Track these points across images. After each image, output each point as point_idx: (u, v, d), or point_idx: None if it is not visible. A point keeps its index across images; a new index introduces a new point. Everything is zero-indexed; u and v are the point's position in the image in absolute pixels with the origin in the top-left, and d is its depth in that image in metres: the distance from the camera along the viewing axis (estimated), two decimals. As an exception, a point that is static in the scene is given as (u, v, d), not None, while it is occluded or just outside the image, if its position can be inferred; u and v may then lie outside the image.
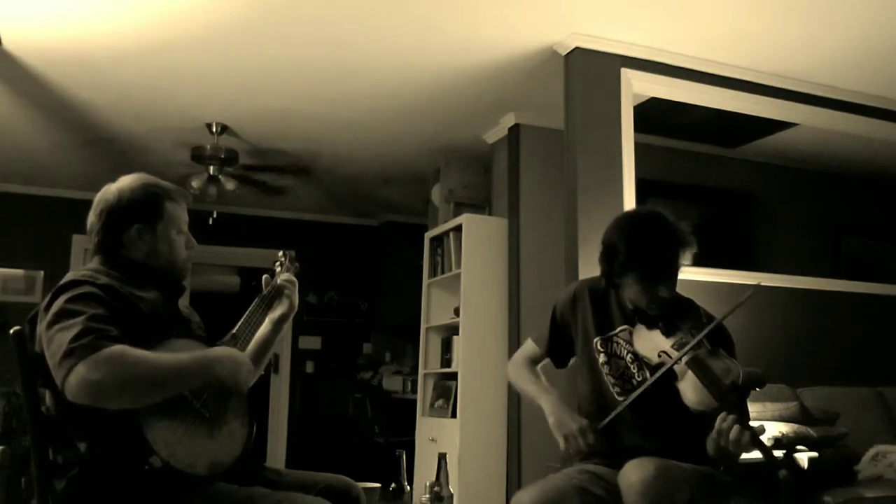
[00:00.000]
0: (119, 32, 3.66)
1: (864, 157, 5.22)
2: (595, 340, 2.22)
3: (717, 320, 2.06)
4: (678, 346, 2.02)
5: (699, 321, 2.14)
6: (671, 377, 2.02)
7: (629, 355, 2.17)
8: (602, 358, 2.20)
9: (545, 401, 2.18)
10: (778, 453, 3.10)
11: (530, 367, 2.35)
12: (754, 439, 1.82)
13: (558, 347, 2.35)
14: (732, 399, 1.88)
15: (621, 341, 2.20)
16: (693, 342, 1.97)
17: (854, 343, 4.17)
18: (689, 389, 1.96)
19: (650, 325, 2.12)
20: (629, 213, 2.25)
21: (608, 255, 2.13)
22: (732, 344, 2.18)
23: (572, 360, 2.36)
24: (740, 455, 1.95)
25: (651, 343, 2.09)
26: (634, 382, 2.14)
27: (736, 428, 1.82)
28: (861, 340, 4.19)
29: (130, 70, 4.09)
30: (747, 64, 3.97)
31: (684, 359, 1.96)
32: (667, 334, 2.08)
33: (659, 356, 2.05)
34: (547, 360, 2.38)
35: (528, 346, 2.41)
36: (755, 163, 5.34)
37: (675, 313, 2.14)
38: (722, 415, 1.87)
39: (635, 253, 2.07)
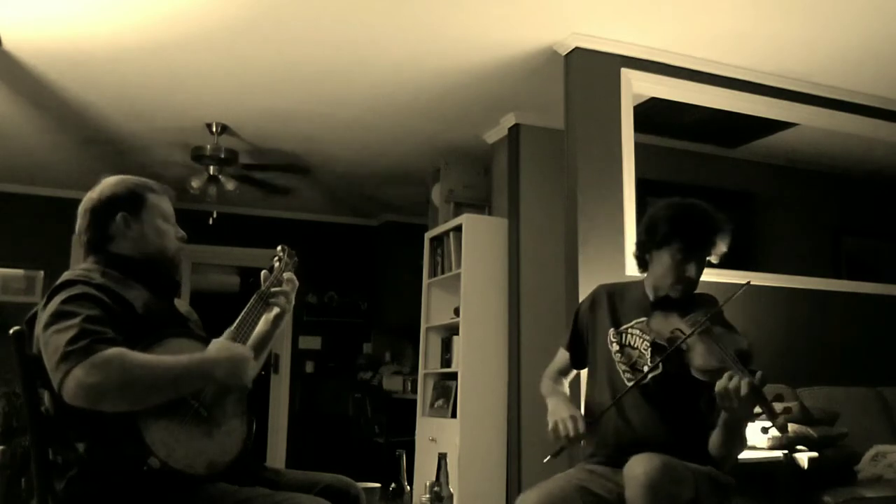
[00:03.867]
0: (119, 32, 3.66)
1: (864, 157, 5.21)
2: (609, 332, 2.30)
3: (719, 305, 2.16)
4: (691, 324, 2.09)
5: (714, 307, 2.19)
6: (680, 353, 2.05)
7: (643, 343, 2.22)
8: (615, 347, 2.28)
9: (550, 400, 2.30)
10: (778, 453, 3.10)
11: (555, 377, 2.47)
12: (755, 390, 1.82)
13: (578, 347, 2.44)
14: (737, 364, 1.91)
15: (636, 332, 2.26)
16: (706, 318, 2.05)
17: (854, 343, 4.16)
18: (697, 355, 2.01)
19: (667, 310, 2.18)
20: (673, 199, 2.34)
21: (650, 229, 2.24)
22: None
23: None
24: (745, 413, 1.90)
25: (667, 323, 2.15)
26: (645, 370, 2.18)
27: (736, 378, 1.83)
28: (861, 340, 4.18)
29: (130, 70, 4.09)
30: (747, 64, 3.97)
31: (697, 332, 2.03)
32: (682, 316, 2.14)
33: (672, 332, 2.10)
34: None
35: (560, 354, 2.51)
36: (755, 163, 5.34)
37: (693, 302, 2.21)
38: (727, 374, 1.87)
39: (678, 225, 2.18)
